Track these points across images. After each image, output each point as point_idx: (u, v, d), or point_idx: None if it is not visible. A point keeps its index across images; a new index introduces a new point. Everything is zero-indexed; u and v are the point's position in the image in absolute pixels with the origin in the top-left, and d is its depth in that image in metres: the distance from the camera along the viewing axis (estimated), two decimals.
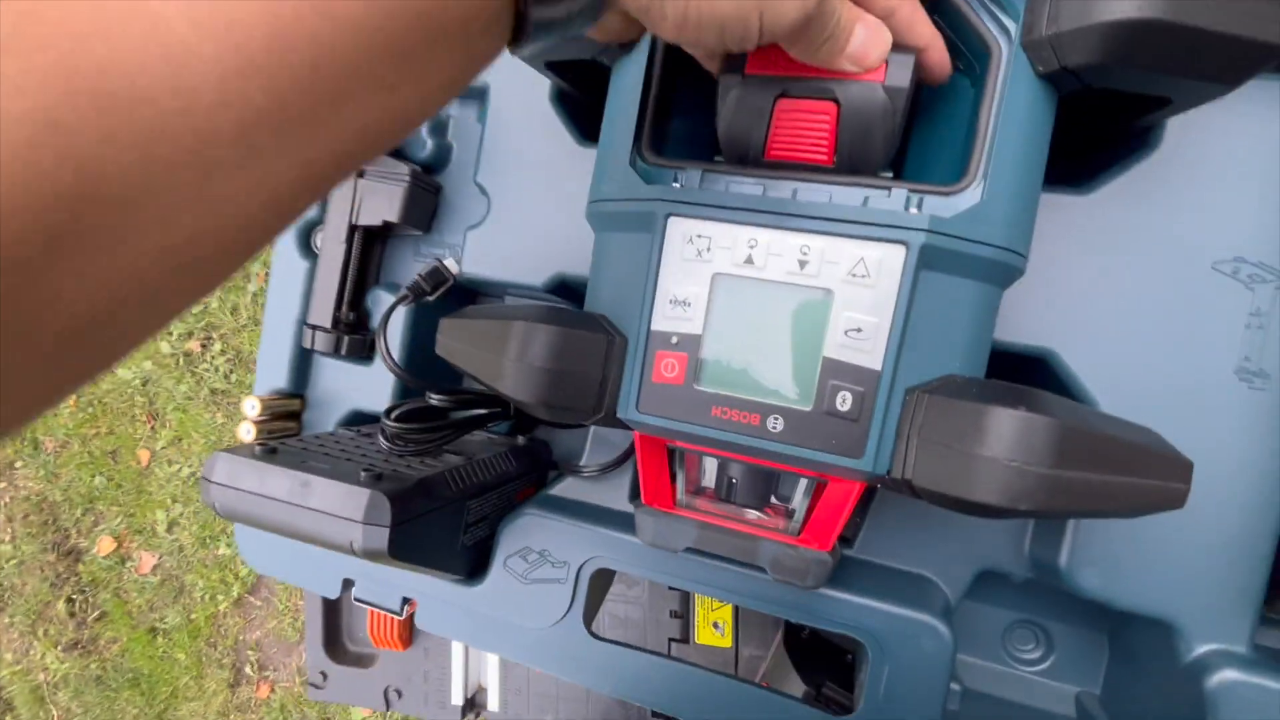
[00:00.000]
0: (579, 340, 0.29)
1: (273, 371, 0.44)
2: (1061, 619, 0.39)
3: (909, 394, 0.26)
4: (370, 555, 0.31)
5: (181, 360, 1.74)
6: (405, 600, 0.42)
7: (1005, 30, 0.25)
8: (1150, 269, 0.32)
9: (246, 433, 0.41)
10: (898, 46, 0.25)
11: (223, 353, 1.73)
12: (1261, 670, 0.30)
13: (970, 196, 0.26)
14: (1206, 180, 0.31)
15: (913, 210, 0.26)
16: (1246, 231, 0.31)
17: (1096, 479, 0.24)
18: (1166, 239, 0.32)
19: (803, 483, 0.33)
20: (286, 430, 0.44)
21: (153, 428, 1.81)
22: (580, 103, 0.41)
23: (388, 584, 0.42)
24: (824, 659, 0.47)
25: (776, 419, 0.28)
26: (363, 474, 0.32)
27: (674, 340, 0.29)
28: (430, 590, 0.41)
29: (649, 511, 0.33)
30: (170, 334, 1.74)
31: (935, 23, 0.26)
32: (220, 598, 1.66)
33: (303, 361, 0.45)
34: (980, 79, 0.26)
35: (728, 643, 0.52)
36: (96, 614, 1.75)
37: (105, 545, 1.76)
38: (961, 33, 0.27)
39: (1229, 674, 0.30)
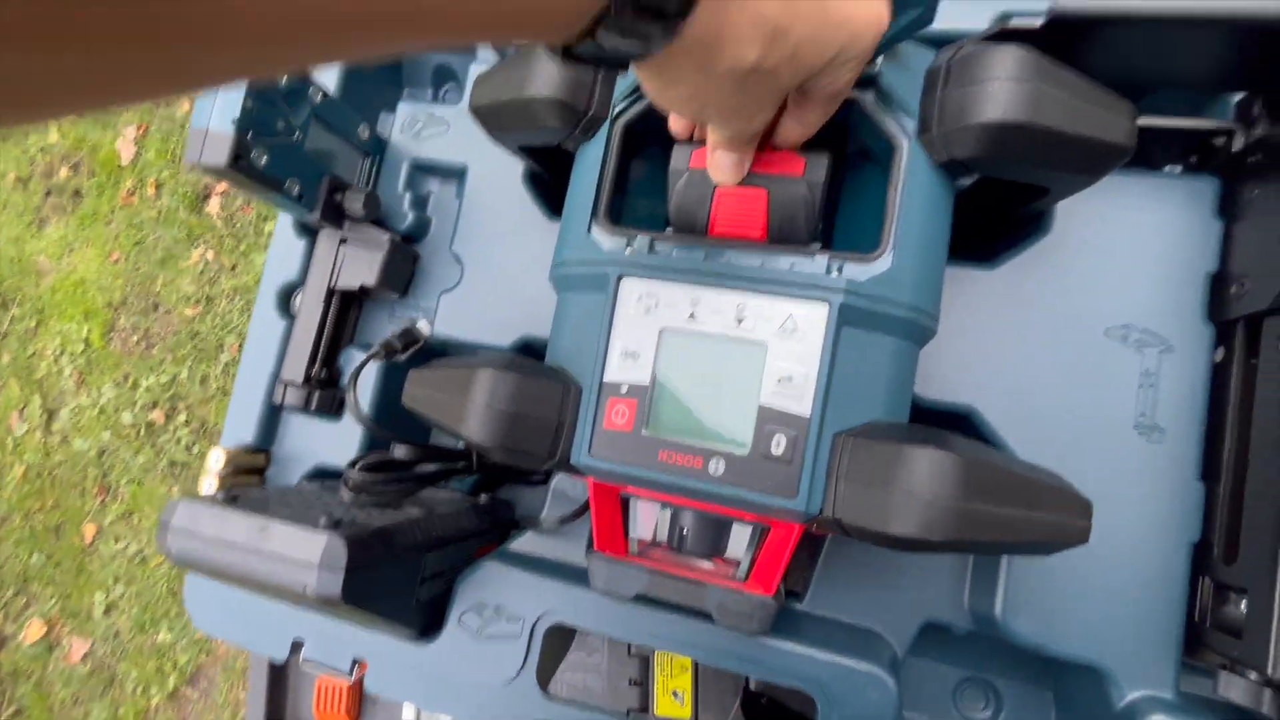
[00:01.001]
0: (538, 387, 0.31)
1: (241, 425, 0.45)
2: (1008, 675, 0.40)
3: (836, 438, 0.29)
4: (324, 600, 0.32)
5: (143, 430, 1.70)
6: (355, 662, 0.41)
7: (904, 128, 0.30)
8: (1053, 335, 0.36)
9: (208, 486, 0.42)
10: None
11: (187, 423, 1.70)
12: (1187, 713, 0.32)
13: (882, 263, 0.29)
14: (1093, 259, 0.36)
15: (833, 274, 0.29)
16: (1131, 302, 0.35)
17: (1003, 512, 0.26)
18: (1064, 308, 0.36)
19: (747, 532, 0.34)
20: (248, 485, 0.45)
21: (103, 501, 1.74)
22: (548, 183, 0.45)
23: (338, 643, 0.41)
24: None
25: (718, 462, 0.30)
26: (322, 519, 0.33)
27: (624, 389, 0.31)
28: (382, 649, 0.40)
29: (601, 558, 0.34)
30: (134, 404, 1.71)
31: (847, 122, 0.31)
32: (154, 690, 1.54)
33: (271, 417, 0.46)
34: (887, 167, 0.31)
35: (687, 712, 0.51)
36: (12, 710, 1.60)
37: (34, 630, 1.65)
38: (871, 130, 0.31)
39: (1158, 719, 0.31)
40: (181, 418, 1.70)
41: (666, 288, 0.31)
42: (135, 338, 1.77)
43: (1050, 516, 0.27)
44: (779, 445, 0.29)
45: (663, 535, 0.36)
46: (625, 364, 0.31)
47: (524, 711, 0.38)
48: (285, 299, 0.47)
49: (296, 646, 0.42)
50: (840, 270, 0.29)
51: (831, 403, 0.29)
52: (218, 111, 0.36)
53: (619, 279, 0.31)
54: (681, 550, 0.35)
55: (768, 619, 0.32)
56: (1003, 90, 0.27)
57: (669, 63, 0.23)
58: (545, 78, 0.32)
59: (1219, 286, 0.35)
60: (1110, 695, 0.33)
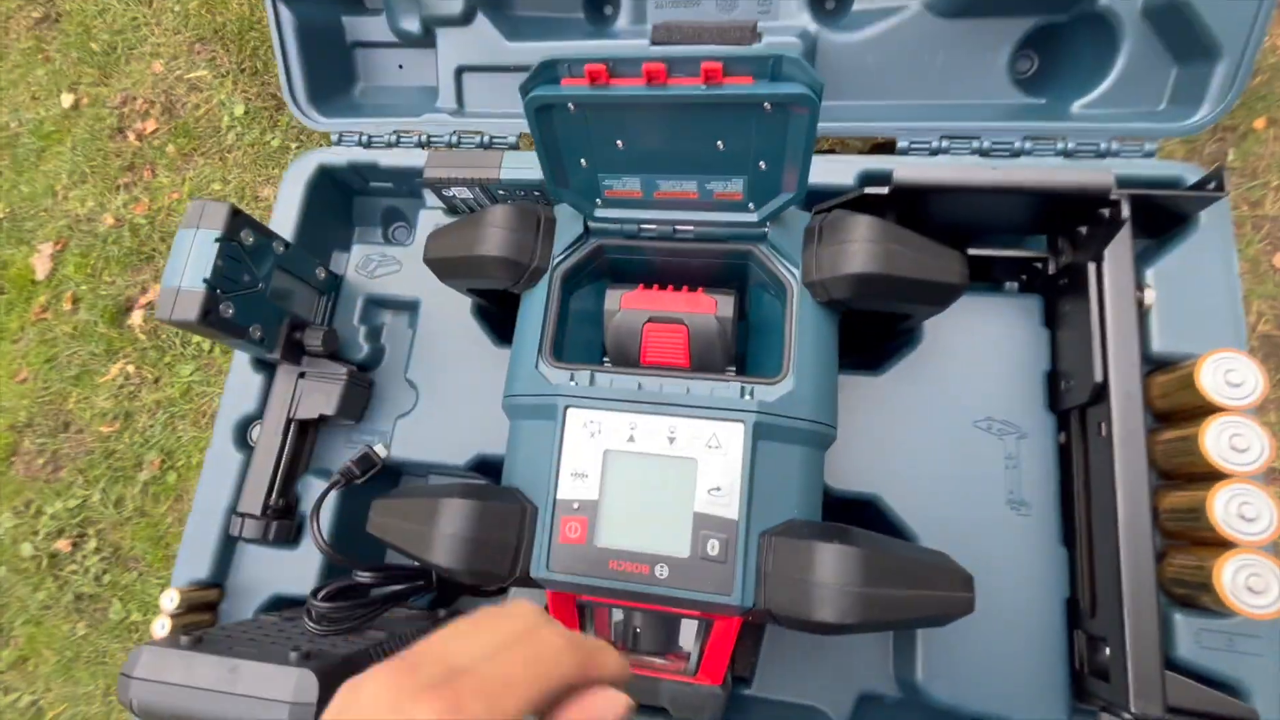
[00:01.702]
0: (497, 511, 0.35)
1: (194, 562, 0.46)
2: None
3: (762, 536, 0.34)
4: None
5: (45, 563, 1.57)
6: None
7: (793, 275, 0.37)
8: (933, 428, 0.43)
9: (161, 628, 0.42)
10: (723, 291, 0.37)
11: (97, 551, 1.57)
12: None
13: (785, 385, 0.35)
14: (956, 362, 0.44)
15: (746, 397, 0.35)
16: (990, 398, 0.43)
17: (899, 594, 0.31)
18: (939, 406, 0.43)
19: (694, 628, 0.38)
20: (201, 622, 0.45)
21: None
22: (496, 315, 0.50)
23: None
24: None
25: (662, 567, 0.34)
26: (291, 654, 0.35)
27: (575, 505, 0.35)
28: None
29: None
30: (35, 533, 1.58)
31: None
32: None
33: (225, 551, 0.47)
34: (783, 306, 0.37)
35: None
36: None
37: None
38: (767, 273, 0.38)
39: None
40: (91, 545, 1.58)
41: (608, 415, 0.36)
42: (41, 460, 1.66)
43: (939, 593, 0.32)
44: (714, 547, 0.34)
45: (617, 636, 0.39)
46: (575, 483, 0.35)
47: None
48: (242, 431, 0.49)
49: None
50: (752, 394, 0.35)
51: (755, 506, 0.34)
52: (189, 271, 0.40)
53: (566, 409, 0.36)
54: (635, 649, 0.38)
55: (718, 707, 0.35)
56: (862, 249, 0.35)
57: None
58: (494, 239, 0.38)
59: (1053, 382, 0.43)
60: None
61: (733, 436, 0.35)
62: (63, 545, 1.56)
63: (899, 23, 0.49)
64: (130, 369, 1.67)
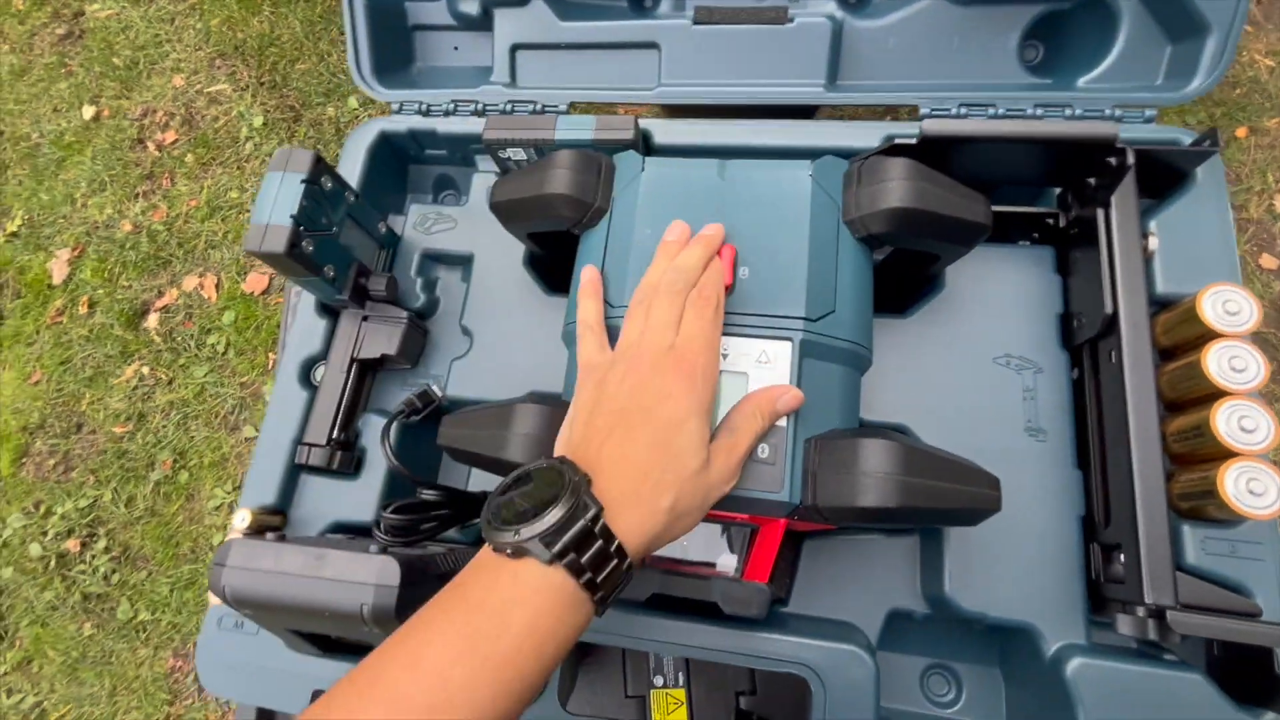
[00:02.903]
0: (564, 415, 0.38)
1: (260, 488, 0.49)
2: (964, 660, 0.47)
3: (807, 442, 0.37)
4: (379, 617, 0.35)
5: (53, 563, 1.57)
6: None
7: (836, 215, 0.41)
8: (956, 365, 0.46)
9: (241, 521, 0.44)
10: None
11: (107, 550, 1.58)
12: (1100, 655, 0.39)
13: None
14: (977, 307, 0.47)
15: (794, 319, 0.39)
16: (1008, 337, 0.47)
17: (934, 484, 0.34)
18: (961, 345, 0.47)
19: (742, 538, 0.41)
20: None
21: None
22: (546, 264, 0.54)
23: None
24: None
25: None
26: (372, 547, 0.37)
27: None
28: None
29: None
30: (44, 533, 1.58)
31: None
32: None
33: (290, 480, 0.49)
34: None
35: None
36: None
37: None
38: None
39: (1078, 660, 0.39)
40: (101, 545, 1.58)
41: None
42: (52, 461, 1.67)
43: (970, 488, 0.35)
44: (764, 451, 0.37)
45: (668, 550, 0.42)
46: None
47: None
48: (306, 371, 0.52)
49: (316, 697, 0.44)
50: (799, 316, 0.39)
51: (801, 415, 0.37)
52: (277, 208, 0.44)
53: None
54: (686, 561, 0.41)
55: (765, 603, 0.38)
56: (899, 186, 0.39)
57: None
58: (561, 179, 0.42)
59: (1066, 323, 0.47)
60: (1040, 649, 0.41)
61: (781, 353, 0.38)
62: (72, 545, 1.57)
63: (918, 9, 0.54)
64: (145, 370, 1.69)
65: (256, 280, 1.70)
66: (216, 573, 0.37)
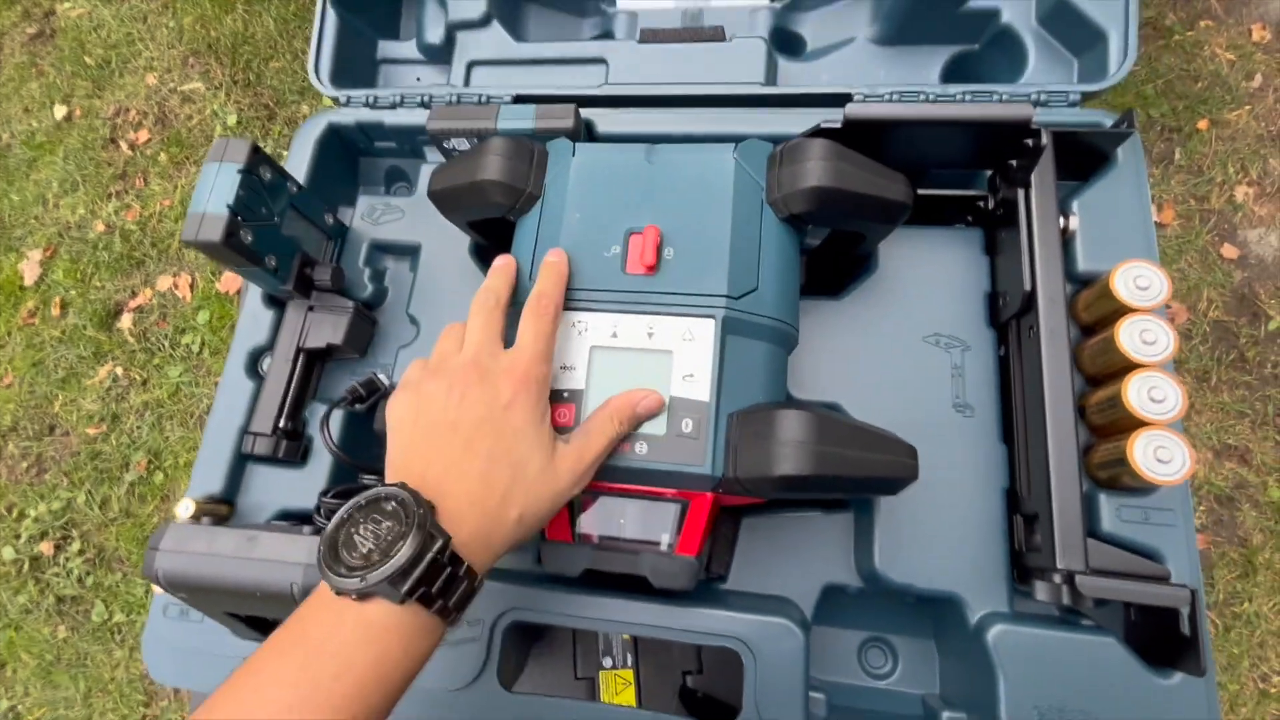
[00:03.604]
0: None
1: (208, 477, 0.49)
2: (899, 632, 0.48)
3: (730, 416, 0.38)
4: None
5: (26, 566, 1.56)
6: None
7: (759, 195, 0.42)
8: (887, 344, 0.48)
9: (185, 510, 0.45)
10: None
11: (81, 553, 1.57)
12: (1021, 622, 0.40)
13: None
14: (908, 287, 0.49)
15: (716, 297, 0.40)
16: (938, 316, 0.48)
17: (849, 453, 0.35)
18: (892, 324, 0.48)
19: (672, 514, 0.42)
20: None
21: None
22: (491, 253, 0.54)
23: None
24: (714, 712, 0.51)
25: (642, 444, 0.38)
26: (305, 529, 0.38)
27: (565, 395, 0.39)
28: None
29: (552, 545, 0.41)
30: (17, 536, 1.57)
31: None
32: None
33: (236, 469, 0.50)
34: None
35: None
36: None
37: None
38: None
39: (999, 627, 0.40)
40: (75, 547, 1.57)
41: (593, 316, 0.40)
42: (25, 464, 1.66)
43: (886, 456, 0.36)
44: (688, 425, 0.38)
45: (603, 528, 0.42)
46: (564, 374, 0.40)
47: (490, 708, 0.42)
48: (254, 362, 0.52)
49: None
50: (721, 294, 0.40)
51: (724, 390, 0.38)
52: (214, 197, 0.44)
53: None
54: (619, 539, 0.42)
55: (692, 575, 0.39)
56: (817, 166, 0.40)
57: None
58: (494, 165, 0.43)
59: (993, 302, 0.48)
60: (966, 618, 0.42)
61: (704, 330, 0.39)
62: (45, 548, 1.56)
63: (848, 52, 0.58)
64: (119, 371, 1.68)
65: (231, 280, 1.69)
66: (150, 556, 0.38)
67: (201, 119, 1.92)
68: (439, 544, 0.29)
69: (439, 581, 0.29)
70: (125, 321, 1.77)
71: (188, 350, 1.70)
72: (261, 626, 0.43)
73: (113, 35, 2.03)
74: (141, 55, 2.00)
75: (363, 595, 0.29)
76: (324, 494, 0.43)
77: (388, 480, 0.33)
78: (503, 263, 0.41)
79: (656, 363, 0.39)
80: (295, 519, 0.49)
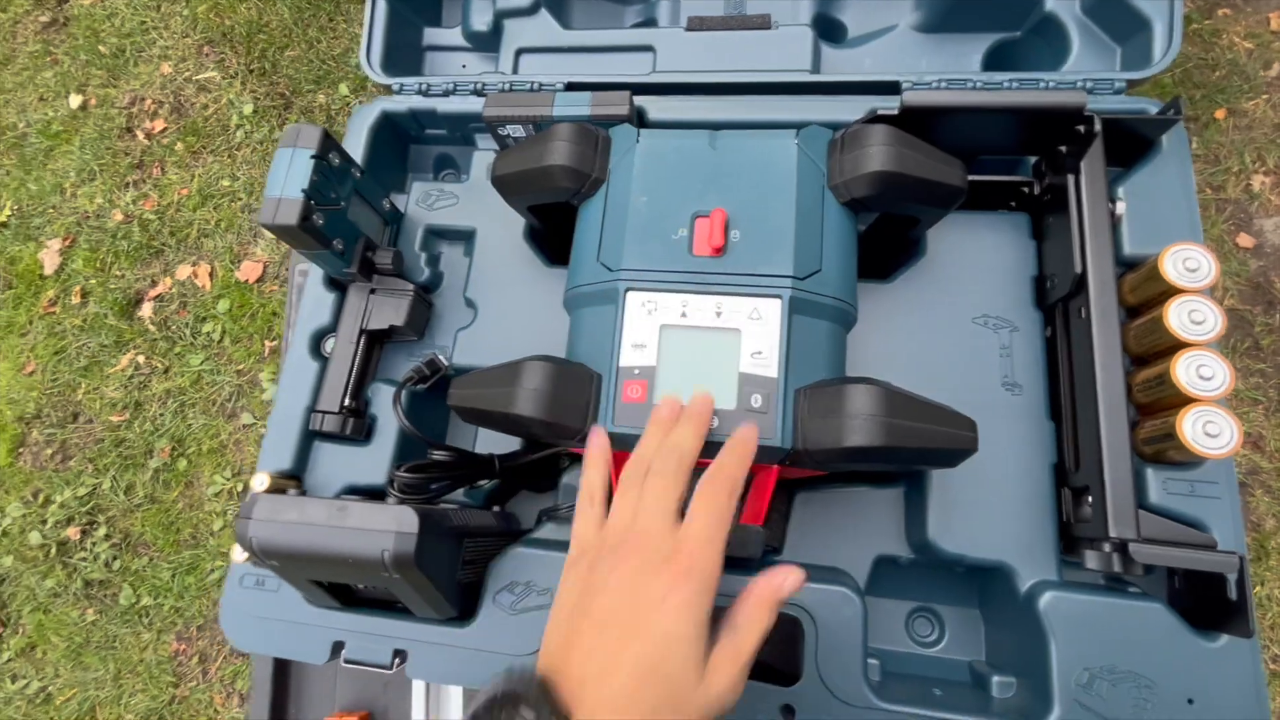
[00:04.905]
0: (570, 372, 0.40)
1: (277, 454, 0.51)
2: (946, 602, 0.50)
3: (797, 391, 0.40)
4: (399, 563, 0.38)
5: (54, 551, 1.58)
6: (396, 654, 0.46)
7: (821, 181, 0.43)
8: (936, 325, 0.49)
9: (260, 483, 0.46)
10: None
11: (107, 538, 1.59)
12: (1070, 589, 0.42)
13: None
14: (956, 271, 0.50)
15: (783, 278, 0.41)
16: (986, 299, 0.49)
17: (915, 425, 0.37)
18: (941, 306, 0.49)
19: None
20: None
21: None
22: (545, 237, 0.56)
23: (378, 639, 0.46)
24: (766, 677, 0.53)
25: (714, 419, 0.39)
26: (390, 498, 0.40)
27: (636, 371, 0.41)
28: (422, 637, 0.45)
29: None
30: (44, 522, 1.59)
31: None
32: None
33: (304, 446, 0.52)
34: None
35: None
36: None
37: None
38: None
39: (1050, 594, 0.42)
40: (101, 532, 1.59)
41: (662, 295, 0.42)
42: (50, 451, 1.68)
43: (948, 429, 0.38)
44: (757, 400, 0.39)
45: None
46: (635, 352, 0.41)
47: None
48: (317, 343, 0.54)
49: (337, 648, 0.46)
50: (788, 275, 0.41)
51: (791, 367, 0.40)
52: (289, 183, 0.45)
53: (626, 291, 0.42)
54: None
55: (760, 543, 0.41)
56: (879, 152, 0.41)
57: None
58: (561, 150, 0.44)
59: (1040, 284, 0.49)
60: (1015, 587, 0.44)
61: (771, 309, 0.41)
62: (72, 533, 1.58)
63: (890, 39, 0.59)
64: (140, 359, 1.70)
65: (251, 268, 1.71)
66: (243, 525, 0.39)
67: (217, 108, 1.93)
68: None
69: None
70: (146, 310, 1.79)
71: (208, 338, 1.72)
72: (343, 594, 0.45)
73: (126, 24, 2.03)
74: (156, 44, 2.00)
75: None
76: (397, 468, 0.45)
77: (540, 661, 0.31)
78: (694, 429, 0.36)
79: (725, 340, 0.40)
80: (360, 494, 0.51)
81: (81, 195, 1.89)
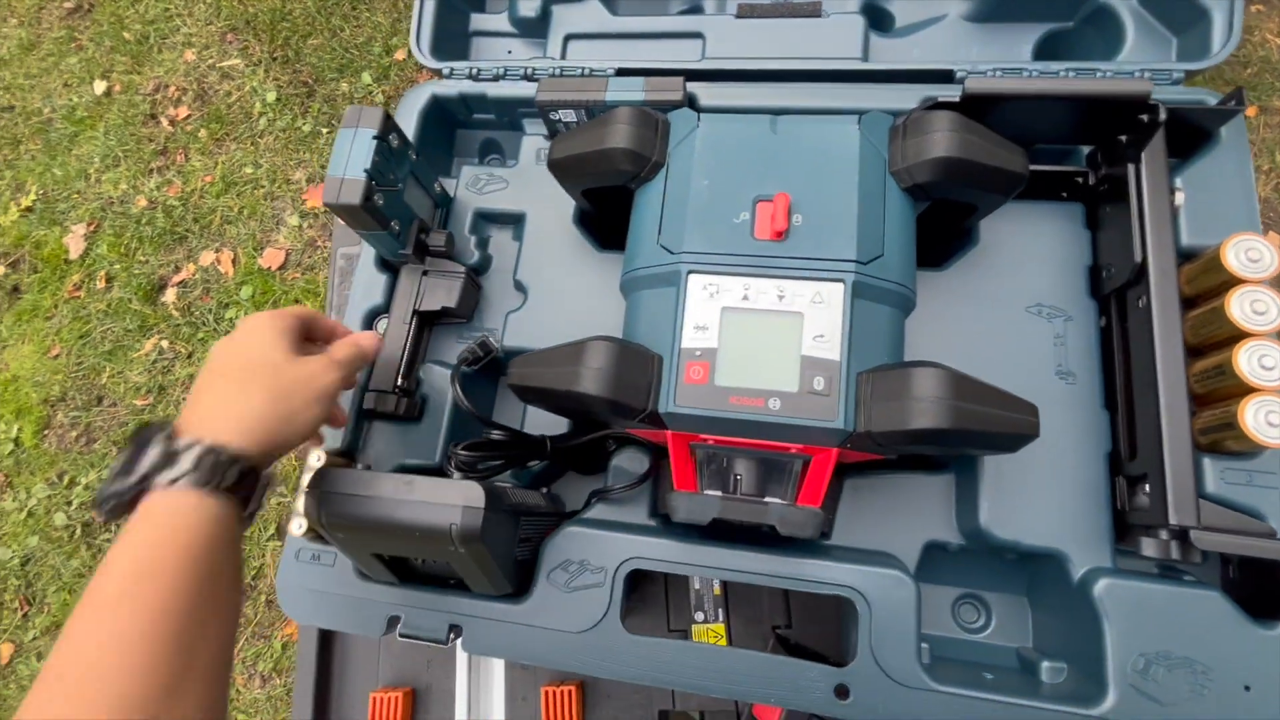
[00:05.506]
0: (633, 352, 0.41)
1: (331, 433, 0.51)
2: (993, 589, 0.50)
3: (859, 375, 0.40)
4: (466, 536, 0.38)
5: (79, 531, 1.60)
6: (452, 628, 0.46)
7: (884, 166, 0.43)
8: (991, 313, 0.49)
9: (317, 460, 0.47)
10: None
11: None
12: (1125, 576, 0.42)
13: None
14: (1010, 259, 0.50)
15: (846, 262, 0.41)
16: (1040, 288, 0.49)
17: (980, 409, 0.37)
18: (995, 294, 0.50)
19: (794, 468, 0.44)
20: None
21: (25, 615, 1.60)
22: (595, 221, 0.56)
23: (433, 614, 0.46)
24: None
25: (775, 400, 0.40)
26: (455, 474, 0.40)
27: (698, 353, 0.41)
28: (477, 613, 0.46)
29: (681, 495, 0.43)
30: (69, 503, 1.62)
31: None
32: None
33: (356, 425, 0.52)
34: None
35: None
36: None
37: None
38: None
39: (1105, 581, 0.42)
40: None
41: (724, 279, 0.42)
42: (75, 433, 1.70)
43: (1012, 414, 0.38)
44: (819, 383, 0.40)
45: (726, 483, 0.44)
46: (697, 335, 0.41)
47: (610, 650, 0.44)
48: (369, 322, 0.54)
49: (393, 623, 0.47)
50: (851, 260, 0.41)
51: (853, 350, 0.40)
52: (351, 163, 0.46)
53: (688, 274, 0.42)
54: (739, 491, 0.44)
55: (819, 525, 0.41)
56: (944, 137, 0.41)
57: None
58: (622, 133, 0.44)
59: (1095, 274, 0.49)
60: (1069, 573, 0.44)
61: (834, 293, 0.41)
62: (96, 515, 1.60)
63: (939, 28, 0.59)
64: (164, 344, 1.71)
65: (273, 255, 1.72)
66: (312, 497, 0.40)
67: (241, 96, 1.93)
68: (165, 433, 0.36)
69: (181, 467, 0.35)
70: (169, 295, 1.80)
71: (231, 324, 1.73)
72: (401, 569, 0.46)
73: (150, 10, 2.04)
74: (180, 31, 2.01)
75: (114, 511, 0.35)
76: (455, 445, 0.45)
77: None
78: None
79: (788, 323, 0.41)
80: (416, 473, 0.52)
81: (106, 181, 1.90)
